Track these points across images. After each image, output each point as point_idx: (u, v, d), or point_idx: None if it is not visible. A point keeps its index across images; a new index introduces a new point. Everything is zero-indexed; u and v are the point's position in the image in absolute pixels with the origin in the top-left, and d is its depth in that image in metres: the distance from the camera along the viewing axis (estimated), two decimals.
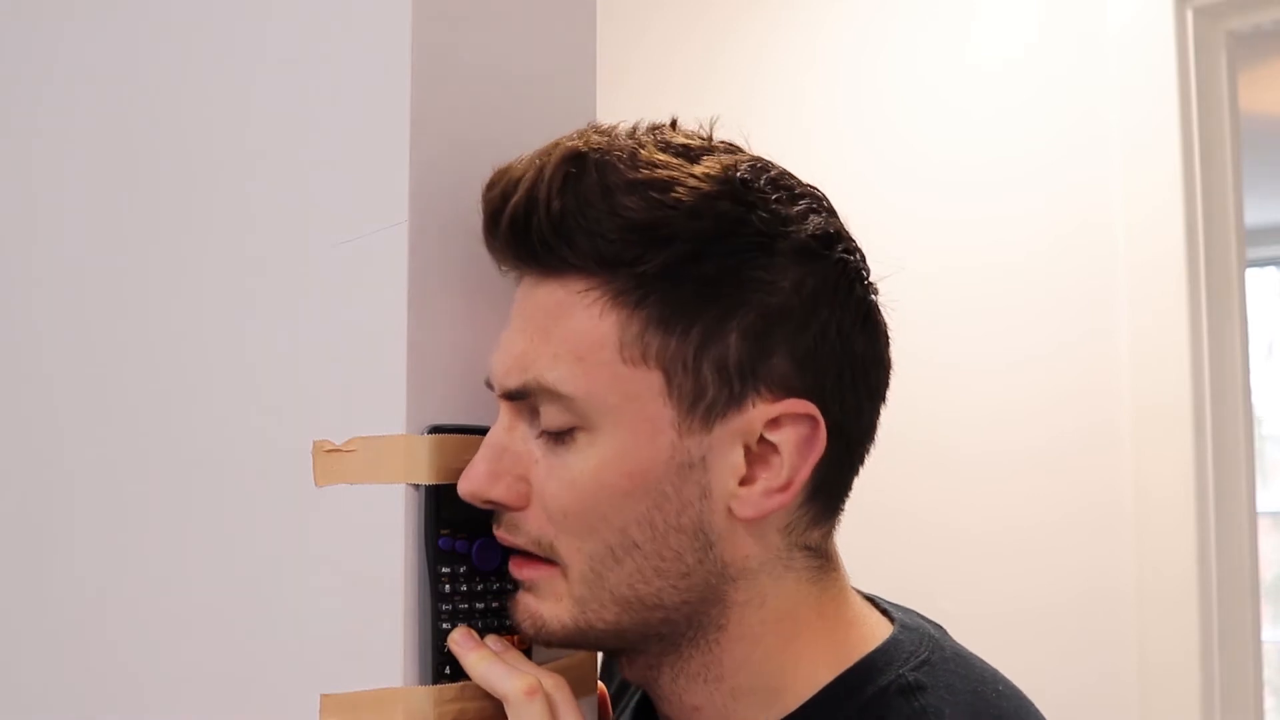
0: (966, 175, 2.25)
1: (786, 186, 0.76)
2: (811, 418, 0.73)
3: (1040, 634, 2.06)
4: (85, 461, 0.92)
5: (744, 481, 0.74)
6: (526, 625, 0.77)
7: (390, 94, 0.79)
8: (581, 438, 0.73)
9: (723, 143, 0.77)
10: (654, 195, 0.72)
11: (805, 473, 0.74)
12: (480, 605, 0.78)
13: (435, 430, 0.77)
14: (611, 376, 0.72)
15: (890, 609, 0.83)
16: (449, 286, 0.80)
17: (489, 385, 0.77)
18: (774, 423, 0.73)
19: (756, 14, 2.50)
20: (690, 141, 0.76)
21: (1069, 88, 2.18)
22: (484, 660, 0.75)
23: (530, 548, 0.76)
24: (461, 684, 0.76)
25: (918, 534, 2.21)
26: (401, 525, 0.76)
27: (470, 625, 0.77)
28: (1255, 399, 2.40)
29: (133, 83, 0.92)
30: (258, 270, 0.85)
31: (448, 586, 0.77)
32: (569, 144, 0.74)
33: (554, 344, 0.73)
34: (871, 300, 0.78)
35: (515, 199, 0.73)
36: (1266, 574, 4.82)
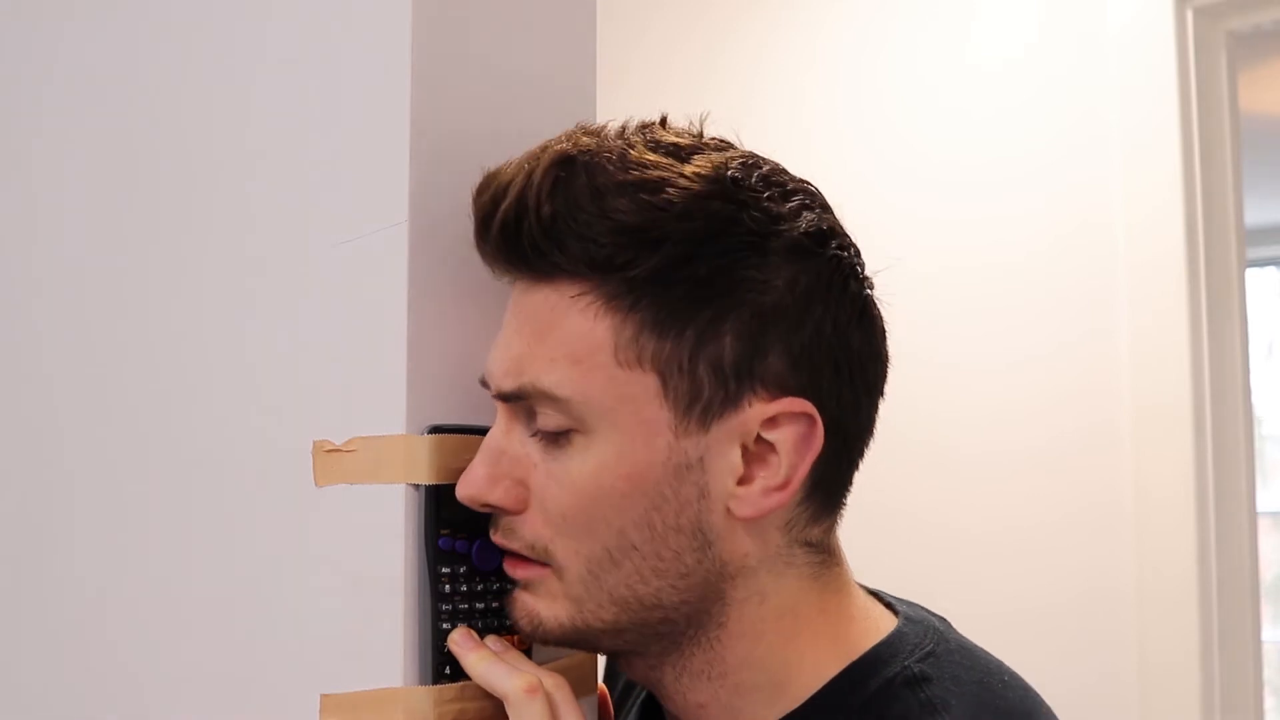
0: (966, 175, 2.25)
1: (778, 183, 0.75)
2: (808, 416, 0.73)
3: (1040, 634, 2.06)
4: (85, 461, 0.92)
5: (742, 481, 0.74)
6: (524, 623, 0.77)
7: (390, 94, 0.79)
8: (578, 440, 0.73)
9: (714, 139, 0.77)
10: (644, 197, 0.71)
11: (803, 471, 0.74)
12: (480, 605, 0.78)
13: (435, 430, 0.77)
14: (607, 379, 0.72)
15: (894, 602, 0.83)
16: (449, 286, 0.80)
17: (484, 384, 0.77)
18: (771, 422, 0.73)
19: (756, 14, 2.50)
20: (680, 140, 0.75)
21: (1069, 88, 2.18)
22: (484, 660, 0.75)
23: (525, 552, 0.76)
24: (461, 684, 0.76)
25: (918, 534, 2.21)
26: (401, 525, 0.76)
27: (470, 625, 0.77)
28: (1255, 399, 2.40)
29: (132, 83, 0.92)
30: (258, 270, 0.85)
31: (448, 586, 0.77)
32: (558, 147, 0.73)
33: (549, 347, 0.73)
34: (867, 295, 0.77)
35: (505, 205, 0.73)
36: (1266, 574, 4.82)
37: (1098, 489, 2.09)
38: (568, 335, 0.73)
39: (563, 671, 0.78)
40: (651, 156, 0.73)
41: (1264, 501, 3.66)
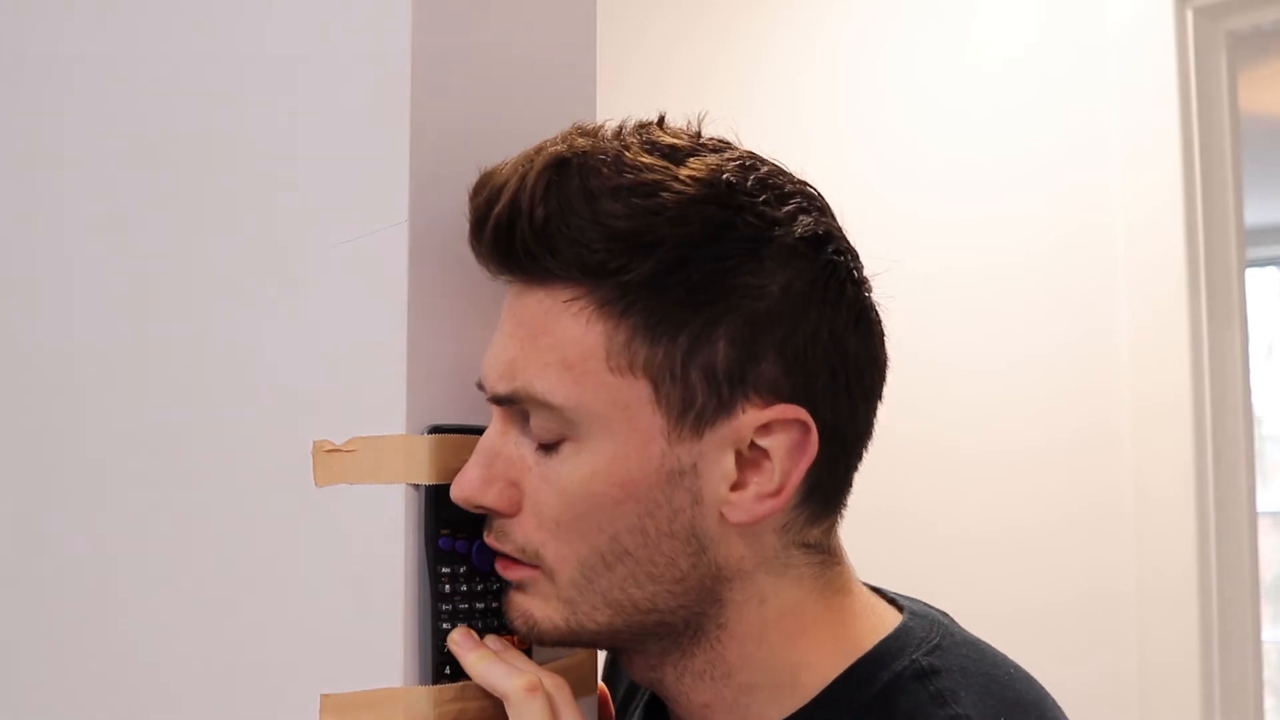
0: (966, 175, 2.25)
1: (775, 186, 0.74)
2: (802, 423, 0.73)
3: (1040, 634, 2.06)
4: (85, 461, 0.92)
5: (735, 487, 0.73)
6: (519, 623, 0.77)
7: (390, 94, 0.79)
8: (571, 445, 0.73)
9: (712, 140, 0.76)
10: (637, 201, 0.71)
11: (797, 477, 0.73)
12: (480, 605, 0.78)
13: (435, 430, 0.77)
14: (599, 385, 0.72)
15: (898, 598, 0.83)
16: (449, 286, 0.80)
17: (480, 387, 0.77)
18: (764, 429, 0.73)
19: (756, 14, 2.50)
20: (677, 141, 0.74)
21: (1069, 88, 2.18)
22: (483, 660, 0.75)
23: (516, 555, 0.75)
24: (461, 684, 0.76)
25: (918, 534, 2.21)
26: (401, 525, 0.76)
27: (470, 625, 0.77)
28: (1255, 399, 2.40)
29: (132, 83, 0.92)
30: (257, 270, 0.85)
31: (448, 586, 0.76)
32: (552, 149, 0.73)
33: (542, 352, 0.73)
34: (865, 299, 0.77)
35: (499, 207, 0.72)
36: (1266, 574, 4.82)
37: (1098, 489, 2.09)
38: (560, 340, 0.72)
39: (563, 671, 0.78)
40: (646, 159, 0.72)
41: (1264, 501, 3.67)
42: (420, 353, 0.78)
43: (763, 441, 0.73)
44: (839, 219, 0.78)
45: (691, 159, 0.73)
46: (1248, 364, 2.13)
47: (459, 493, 0.75)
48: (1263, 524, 2.97)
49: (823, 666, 0.77)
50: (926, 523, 2.22)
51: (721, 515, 0.73)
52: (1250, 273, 3.00)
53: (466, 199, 0.76)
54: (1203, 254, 2.06)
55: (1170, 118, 2.07)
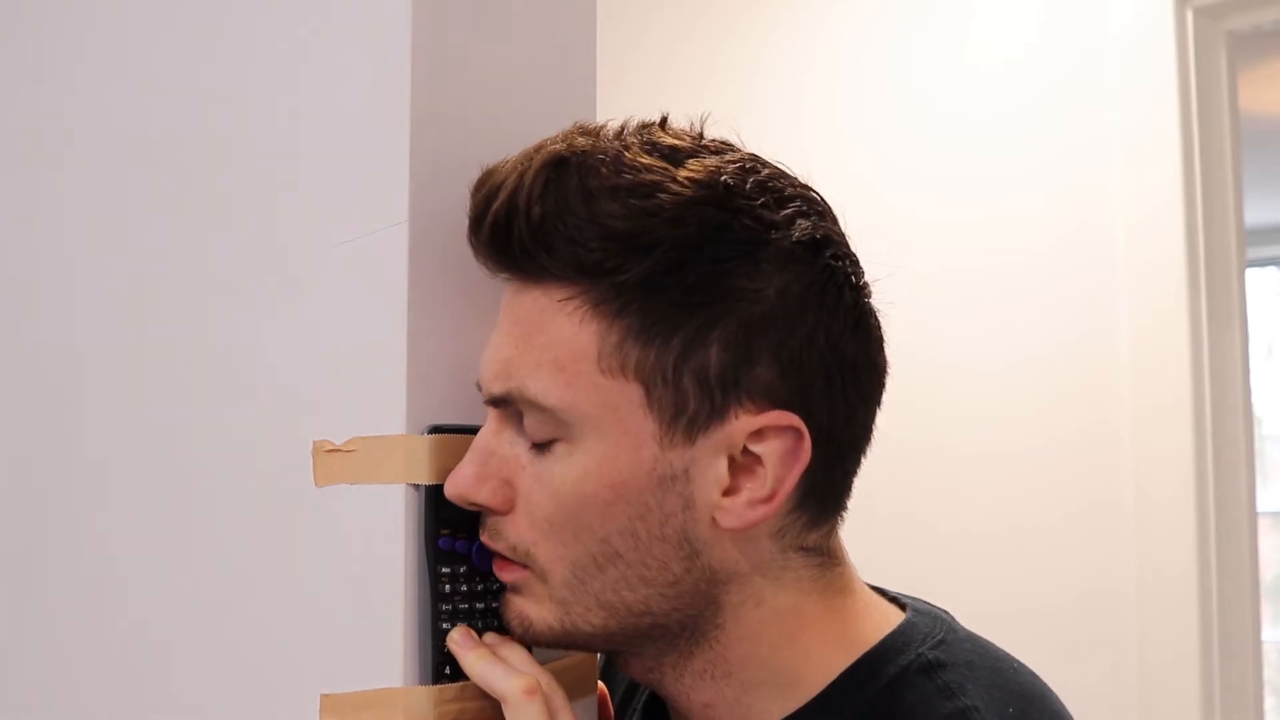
0: (966, 175, 2.25)
1: (774, 190, 0.74)
2: (795, 429, 0.72)
3: (1040, 634, 2.06)
4: (85, 461, 0.92)
5: (727, 492, 0.73)
6: (515, 625, 0.77)
7: (390, 94, 0.79)
8: (563, 446, 0.73)
9: (714, 141, 0.76)
10: (634, 202, 0.70)
11: (790, 484, 0.73)
12: (480, 605, 0.78)
13: (435, 430, 0.77)
14: (591, 388, 0.72)
15: (900, 597, 0.83)
16: (449, 286, 0.80)
17: (479, 388, 0.77)
18: (757, 434, 0.72)
19: (756, 14, 2.50)
20: (678, 142, 0.74)
21: (1069, 88, 2.18)
22: (482, 660, 0.75)
23: (507, 554, 0.75)
24: (461, 684, 0.76)
25: (918, 534, 2.21)
26: (401, 525, 0.76)
27: (470, 625, 0.77)
28: (1255, 399, 2.40)
29: (132, 83, 0.92)
30: (257, 270, 0.85)
31: (448, 586, 0.76)
32: (552, 147, 0.73)
33: (536, 352, 0.72)
34: (864, 305, 0.76)
35: (496, 204, 0.72)
36: (1266, 574, 4.82)
37: (1098, 489, 2.09)
38: (553, 340, 0.72)
39: (563, 671, 0.78)
40: (646, 160, 0.72)
41: (1264, 501, 3.66)
42: (420, 353, 0.78)
43: (755, 447, 0.72)
44: (842, 224, 0.78)
45: (691, 160, 0.73)
46: (1248, 364, 2.13)
47: (452, 489, 0.75)
48: (1263, 524, 2.97)
49: (826, 663, 0.76)
50: (926, 523, 2.21)
51: (713, 520, 0.73)
52: (1250, 273, 3.00)
53: (467, 199, 0.76)
54: (1203, 254, 2.06)
55: (1170, 118, 2.07)
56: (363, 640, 0.78)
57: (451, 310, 0.80)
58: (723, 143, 0.76)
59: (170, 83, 0.90)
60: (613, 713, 0.90)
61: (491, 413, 0.76)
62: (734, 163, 0.74)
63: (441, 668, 0.76)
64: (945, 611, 0.83)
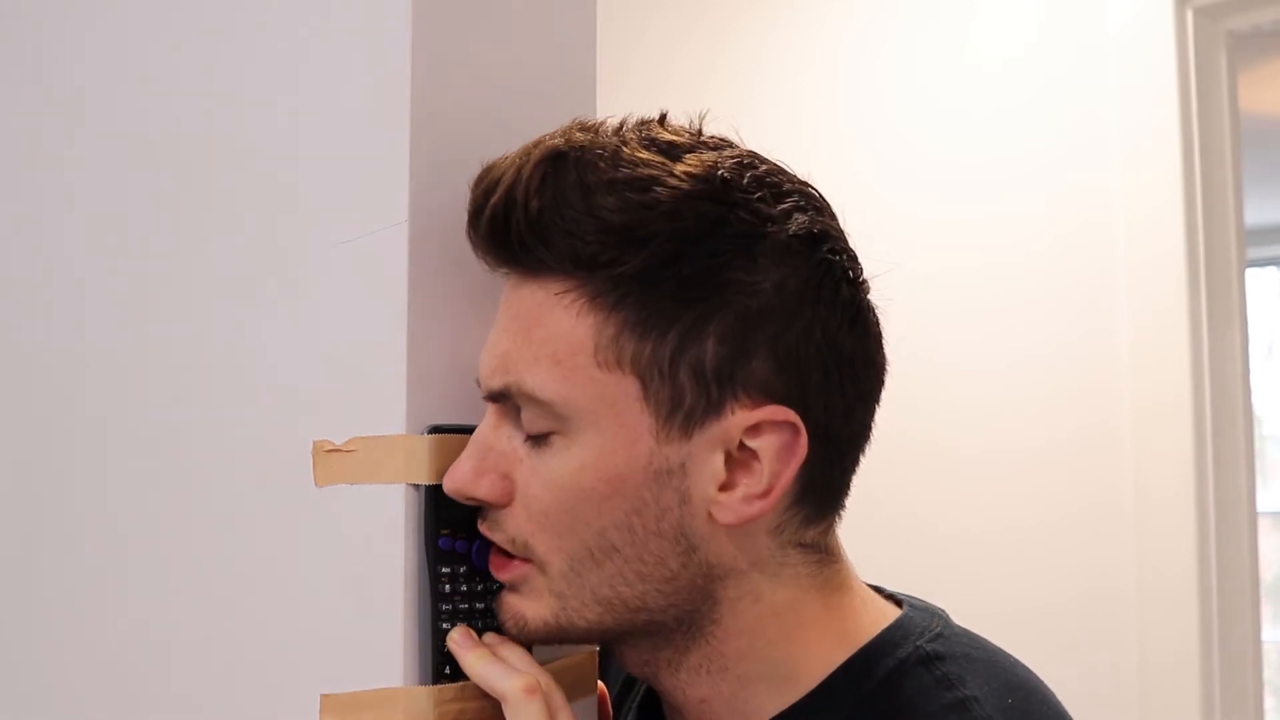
0: (966, 175, 2.25)
1: (772, 184, 0.74)
2: (792, 424, 0.72)
3: (1040, 634, 2.06)
4: (85, 461, 0.92)
5: (724, 487, 0.73)
6: (509, 624, 0.77)
7: (390, 94, 0.79)
8: (561, 440, 0.73)
9: (712, 138, 0.76)
10: (631, 195, 0.71)
11: (786, 479, 0.73)
12: (480, 605, 0.78)
13: (435, 430, 0.77)
14: (587, 381, 0.72)
15: (896, 594, 0.83)
16: (449, 286, 0.80)
17: (478, 384, 0.77)
18: (753, 429, 0.72)
19: (756, 14, 2.50)
20: (676, 138, 0.74)
21: (1069, 88, 2.18)
22: (482, 660, 0.75)
23: (507, 546, 0.76)
24: (461, 684, 0.76)
25: (918, 534, 2.21)
26: (401, 525, 0.76)
27: (470, 625, 0.77)
28: (1255, 399, 2.40)
29: (132, 83, 0.92)
30: (257, 271, 0.85)
31: (448, 586, 0.76)
32: (551, 142, 0.73)
33: (534, 346, 0.73)
34: (862, 300, 0.76)
35: (495, 198, 0.73)
36: (1266, 574, 4.82)
37: (1098, 489, 2.09)
38: (551, 334, 0.72)
39: (562, 671, 0.78)
40: (644, 154, 0.72)
41: (1264, 501, 3.66)
42: (420, 353, 0.78)
43: (752, 442, 0.72)
44: (841, 222, 0.78)
45: (689, 155, 0.73)
46: (1248, 364, 2.13)
47: (451, 484, 0.75)
48: (1263, 524, 2.97)
49: (823, 657, 0.77)
50: (926, 523, 2.21)
51: (710, 515, 0.73)
52: (1250, 273, 3.00)
53: (466, 199, 0.76)
54: (1203, 254, 2.06)
55: (1170, 118, 2.07)
56: (363, 640, 0.78)
57: (451, 310, 0.80)
58: (721, 139, 0.76)
59: (171, 83, 0.90)
60: (611, 713, 0.90)
61: (490, 408, 0.76)
62: (732, 158, 0.74)
63: (441, 668, 0.76)
64: (940, 609, 0.83)
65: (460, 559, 0.77)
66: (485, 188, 0.74)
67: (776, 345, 0.72)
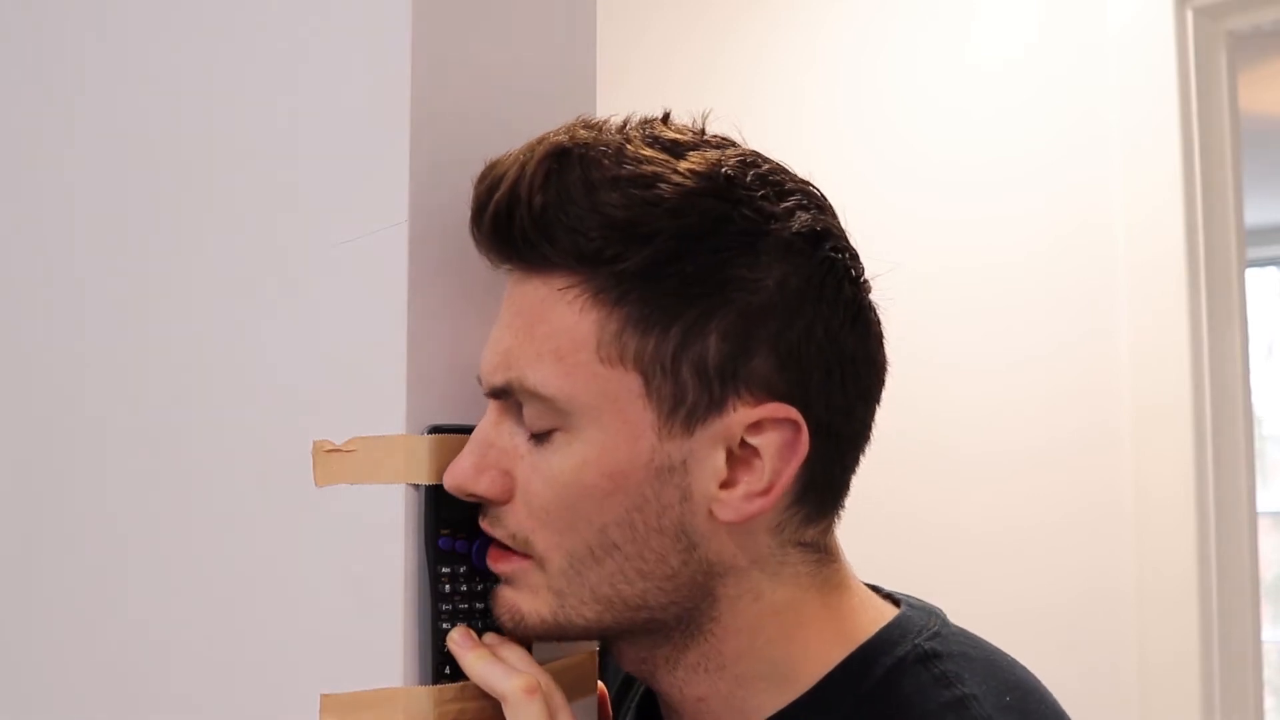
0: (966, 175, 2.25)
1: (775, 183, 0.74)
2: (793, 422, 0.72)
3: (1040, 634, 2.06)
4: (85, 461, 0.92)
5: (725, 485, 0.73)
6: (505, 619, 0.76)
7: (390, 94, 0.79)
8: (562, 436, 0.73)
9: (715, 137, 0.76)
10: (635, 192, 0.71)
11: (787, 477, 0.73)
12: (480, 605, 0.78)
13: (435, 430, 0.77)
14: (590, 377, 0.72)
15: (893, 593, 0.83)
16: (449, 286, 0.80)
17: (480, 381, 0.77)
18: (755, 427, 0.72)
19: (756, 14, 2.50)
20: (680, 136, 0.74)
21: (1069, 88, 2.18)
22: (482, 660, 0.75)
23: (507, 541, 0.76)
24: (461, 684, 0.76)
25: (918, 534, 2.21)
26: (401, 525, 0.76)
27: (470, 625, 0.77)
28: (1255, 399, 2.40)
29: (132, 83, 0.92)
30: (257, 270, 0.85)
31: (448, 586, 0.77)
32: (555, 139, 0.73)
33: (537, 342, 0.73)
34: (863, 299, 0.76)
35: (498, 194, 0.73)
36: (1266, 574, 4.82)
37: (1098, 489, 2.09)
38: (554, 329, 0.72)
39: (562, 671, 0.78)
40: (648, 152, 0.72)
41: (1264, 501, 3.66)
42: (420, 353, 0.78)
43: (753, 440, 0.73)
44: (841, 221, 0.78)
45: (692, 153, 0.73)
46: (1248, 364, 2.13)
47: (451, 480, 0.75)
48: (1263, 524, 2.97)
49: (822, 656, 0.77)
50: (926, 523, 2.22)
51: (711, 513, 0.73)
52: (1250, 273, 3.00)
53: (467, 199, 0.76)
54: (1203, 254, 2.06)
55: (1170, 118, 2.07)
56: (363, 640, 0.78)
57: (451, 310, 0.80)
58: (724, 138, 0.77)
59: (171, 83, 0.90)
60: (611, 713, 0.90)
61: (491, 404, 0.76)
62: (735, 156, 0.74)
63: (441, 668, 0.76)
64: (938, 608, 0.83)
65: (460, 559, 0.77)
66: (489, 184, 0.74)
67: (778, 343, 0.72)
